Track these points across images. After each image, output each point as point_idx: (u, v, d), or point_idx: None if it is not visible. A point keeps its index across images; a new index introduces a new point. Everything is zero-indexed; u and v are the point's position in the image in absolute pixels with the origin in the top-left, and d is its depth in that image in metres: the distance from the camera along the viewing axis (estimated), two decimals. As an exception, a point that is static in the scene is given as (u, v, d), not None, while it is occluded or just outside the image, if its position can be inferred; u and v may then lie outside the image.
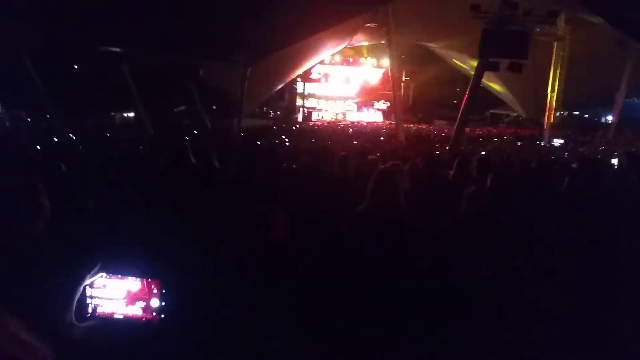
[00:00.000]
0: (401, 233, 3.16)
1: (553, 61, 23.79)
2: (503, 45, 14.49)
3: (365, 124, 35.68)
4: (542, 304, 2.78)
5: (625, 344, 2.57)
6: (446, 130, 26.58)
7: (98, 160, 6.08)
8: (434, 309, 2.70)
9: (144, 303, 2.11)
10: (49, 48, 17.00)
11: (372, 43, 34.39)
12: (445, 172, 5.54)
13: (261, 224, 2.70)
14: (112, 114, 28.30)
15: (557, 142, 22.18)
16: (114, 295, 2.12)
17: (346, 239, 3.16)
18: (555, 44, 23.42)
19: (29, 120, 20.86)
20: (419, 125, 35.03)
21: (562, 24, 22.42)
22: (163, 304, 2.11)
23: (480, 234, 3.21)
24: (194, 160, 5.41)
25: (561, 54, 23.47)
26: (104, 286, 2.12)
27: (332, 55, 37.60)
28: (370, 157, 6.45)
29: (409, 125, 30.64)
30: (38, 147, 10.76)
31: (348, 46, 33.97)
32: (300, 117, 38.39)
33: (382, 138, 19.49)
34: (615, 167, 7.21)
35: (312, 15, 16.12)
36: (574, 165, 5.56)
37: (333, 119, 38.29)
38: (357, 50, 39.77)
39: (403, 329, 2.61)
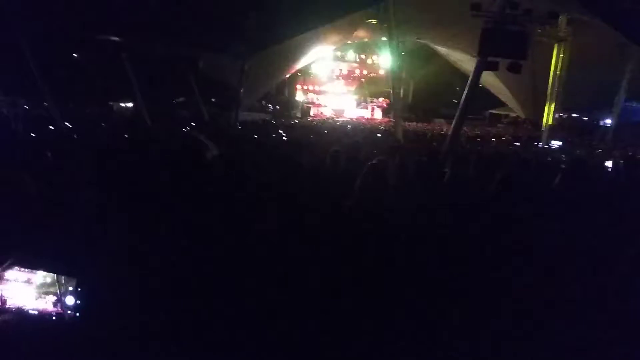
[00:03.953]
0: (389, 228, 3.14)
1: (553, 62, 23.75)
2: (502, 45, 14.42)
3: (364, 120, 35.60)
4: (537, 302, 2.75)
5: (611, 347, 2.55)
6: (445, 129, 26.53)
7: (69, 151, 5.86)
8: (422, 304, 2.67)
9: (55, 298, 2.07)
10: (49, 36, 16.92)
11: (373, 39, 34.30)
12: (439, 170, 5.52)
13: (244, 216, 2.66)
14: (110, 103, 28.20)
15: (555, 144, 22.19)
16: (26, 289, 2.07)
17: (331, 234, 3.12)
18: (555, 45, 23.38)
19: (27, 107, 20.76)
20: (418, 123, 34.95)
21: (563, 25, 22.38)
22: (78, 301, 2.07)
23: (470, 230, 3.20)
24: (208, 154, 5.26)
25: (561, 55, 23.41)
26: (15, 279, 2.07)
27: (334, 50, 37.48)
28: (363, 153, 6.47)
29: (408, 123, 30.59)
30: (32, 134, 10.72)
31: (349, 42, 33.91)
32: (299, 112, 38.29)
33: (379, 135, 19.46)
34: (609, 169, 7.21)
35: (312, 10, 16.06)
36: (563, 166, 5.56)
37: (332, 115, 38.18)
38: (359, 47, 39.66)
39: (392, 326, 2.58)
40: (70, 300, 2.08)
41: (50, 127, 14.04)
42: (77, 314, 2.09)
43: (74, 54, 25.28)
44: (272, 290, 2.45)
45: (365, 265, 2.74)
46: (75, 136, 10.65)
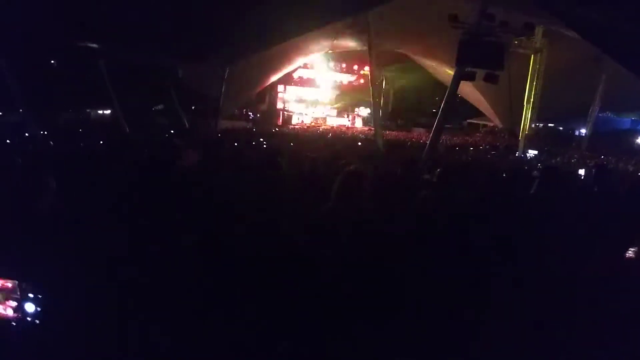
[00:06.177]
0: (364, 235, 3.14)
1: (529, 73, 24.18)
2: (479, 55, 14.63)
3: (345, 129, 35.77)
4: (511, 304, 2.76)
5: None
6: (424, 137, 26.79)
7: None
8: (397, 312, 2.67)
9: (16, 304, 2.02)
10: (25, 41, 16.66)
11: (354, 49, 34.54)
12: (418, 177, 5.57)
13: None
14: (87, 110, 27.84)
15: (532, 153, 22.56)
16: None
17: (307, 240, 3.11)
18: (532, 56, 23.82)
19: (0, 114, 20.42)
20: (398, 132, 35.24)
21: (539, 36, 22.83)
22: (38, 308, 2.03)
23: (445, 237, 3.22)
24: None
25: (537, 66, 23.85)
26: None
27: (314, 59, 37.63)
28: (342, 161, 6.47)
29: (388, 132, 30.82)
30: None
31: (330, 52, 34.08)
32: (280, 121, 38.32)
33: (359, 143, 19.56)
34: (582, 177, 7.37)
35: (291, 19, 16.10)
36: (535, 173, 5.65)
37: (313, 123, 38.28)
38: (339, 56, 39.86)
39: (367, 336, 2.57)
40: (30, 307, 2.03)
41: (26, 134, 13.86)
42: (37, 321, 2.04)
43: (51, 60, 24.92)
44: (238, 294, 2.43)
45: (340, 270, 2.74)
46: (51, 143, 10.53)
